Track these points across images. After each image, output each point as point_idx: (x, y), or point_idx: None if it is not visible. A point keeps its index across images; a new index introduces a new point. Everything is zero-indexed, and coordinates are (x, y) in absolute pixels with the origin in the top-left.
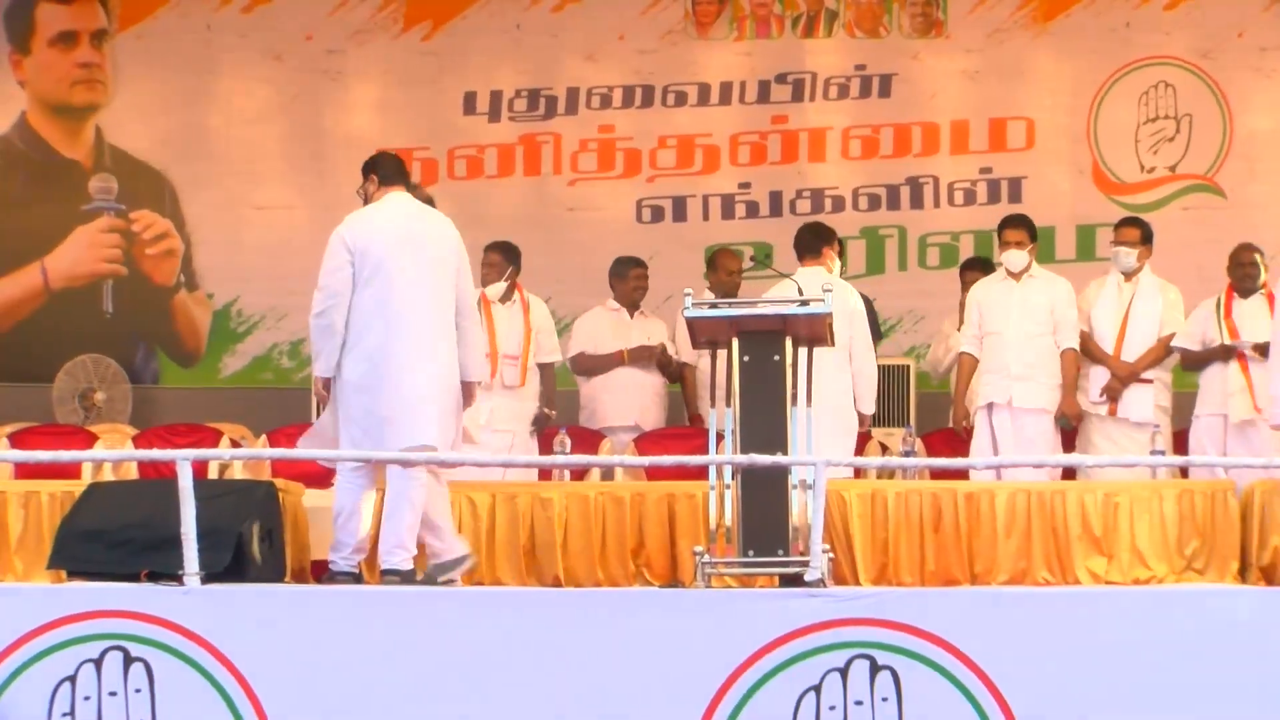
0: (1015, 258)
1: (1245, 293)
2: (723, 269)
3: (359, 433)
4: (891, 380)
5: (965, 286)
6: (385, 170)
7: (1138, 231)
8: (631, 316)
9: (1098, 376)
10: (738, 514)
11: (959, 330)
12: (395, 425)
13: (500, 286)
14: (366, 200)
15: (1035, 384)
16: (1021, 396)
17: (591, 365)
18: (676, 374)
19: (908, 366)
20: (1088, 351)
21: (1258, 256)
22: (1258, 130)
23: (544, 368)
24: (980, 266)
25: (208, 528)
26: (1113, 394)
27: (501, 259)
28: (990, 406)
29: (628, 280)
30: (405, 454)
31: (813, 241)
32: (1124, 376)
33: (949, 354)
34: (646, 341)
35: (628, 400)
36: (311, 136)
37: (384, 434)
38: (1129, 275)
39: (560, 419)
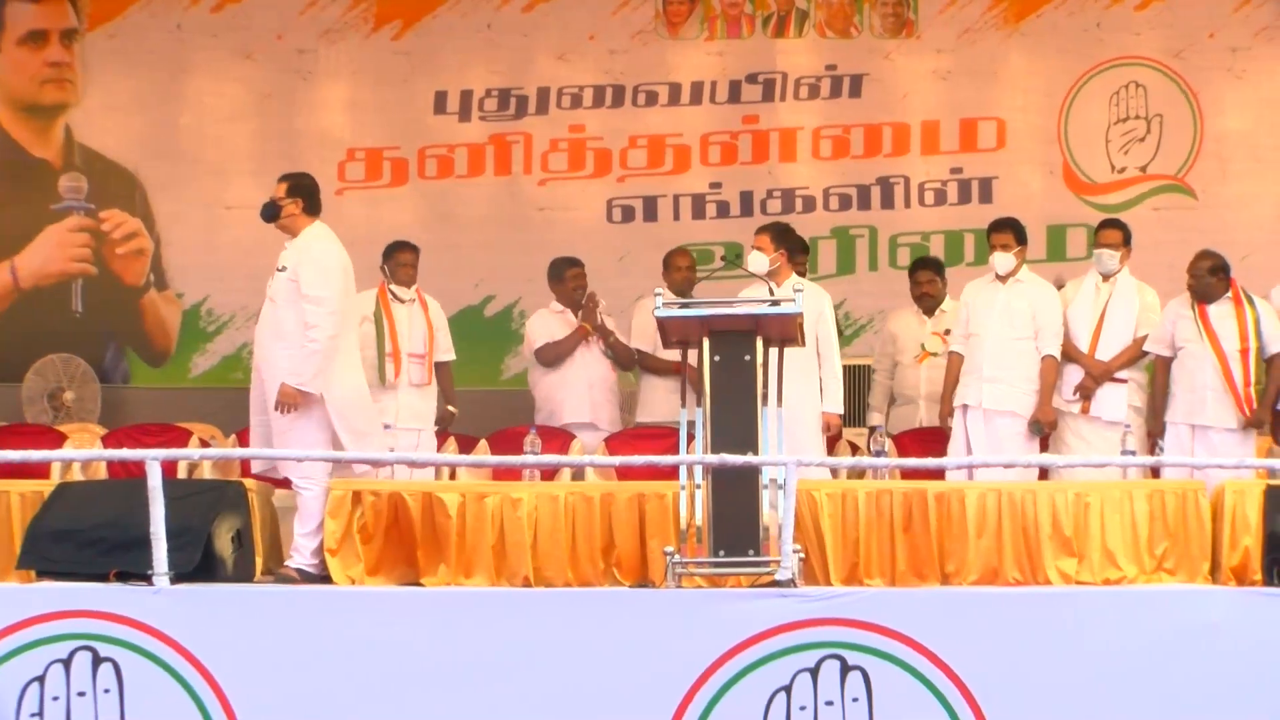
0: (1001, 260)
1: (1208, 299)
2: (674, 267)
3: (352, 440)
4: (862, 380)
5: (916, 285)
6: (315, 201)
7: (1119, 234)
8: (577, 315)
9: (1071, 375)
10: (708, 514)
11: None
12: (365, 440)
13: (412, 288)
14: (278, 209)
15: (1006, 386)
16: (991, 399)
17: (557, 352)
18: (628, 360)
19: None
20: (1063, 350)
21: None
22: (1228, 131)
23: (441, 366)
24: (931, 266)
25: (177, 527)
26: (1086, 392)
27: (414, 259)
28: (965, 408)
29: (565, 281)
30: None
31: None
32: (1098, 375)
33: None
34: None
35: (582, 397)
36: (282, 136)
37: (358, 445)
38: (1107, 276)
39: (517, 419)
